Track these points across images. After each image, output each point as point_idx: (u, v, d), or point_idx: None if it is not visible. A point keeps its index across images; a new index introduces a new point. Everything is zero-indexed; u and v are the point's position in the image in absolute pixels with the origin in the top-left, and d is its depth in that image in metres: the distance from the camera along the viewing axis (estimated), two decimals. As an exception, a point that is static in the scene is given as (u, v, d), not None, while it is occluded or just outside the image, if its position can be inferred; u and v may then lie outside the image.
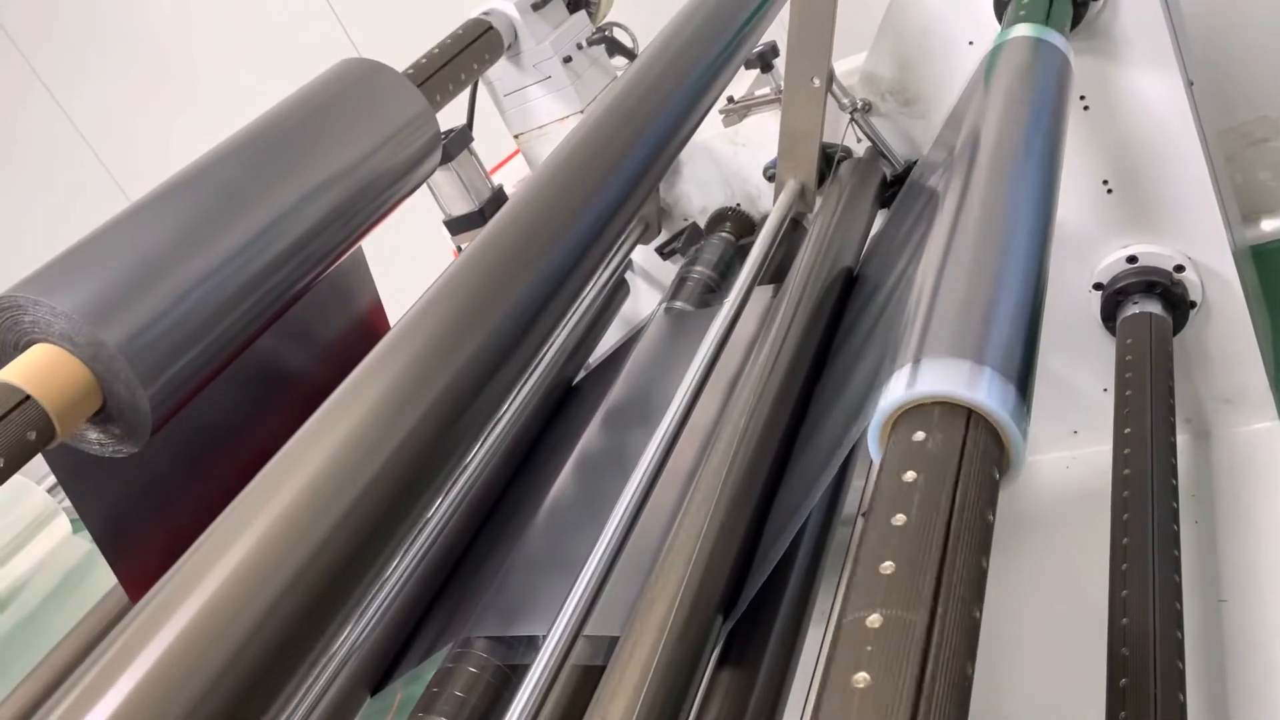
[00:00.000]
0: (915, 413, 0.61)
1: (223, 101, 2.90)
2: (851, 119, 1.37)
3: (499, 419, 1.09)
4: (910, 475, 0.54)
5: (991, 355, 0.62)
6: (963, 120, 1.00)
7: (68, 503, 2.17)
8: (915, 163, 1.39)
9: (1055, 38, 1.00)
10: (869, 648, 0.45)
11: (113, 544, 1.01)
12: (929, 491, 0.54)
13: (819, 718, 0.43)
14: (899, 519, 0.51)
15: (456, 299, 0.74)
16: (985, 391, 0.60)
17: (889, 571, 0.48)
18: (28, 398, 0.81)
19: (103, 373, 0.85)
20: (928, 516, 0.52)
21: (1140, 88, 1.27)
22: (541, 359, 1.25)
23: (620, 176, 0.79)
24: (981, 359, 0.62)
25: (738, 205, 1.55)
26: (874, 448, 0.63)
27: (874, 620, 0.46)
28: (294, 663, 0.49)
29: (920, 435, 0.58)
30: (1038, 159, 0.81)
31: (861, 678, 0.44)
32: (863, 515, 1.41)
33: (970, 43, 1.31)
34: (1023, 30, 1.04)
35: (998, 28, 1.28)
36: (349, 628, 0.55)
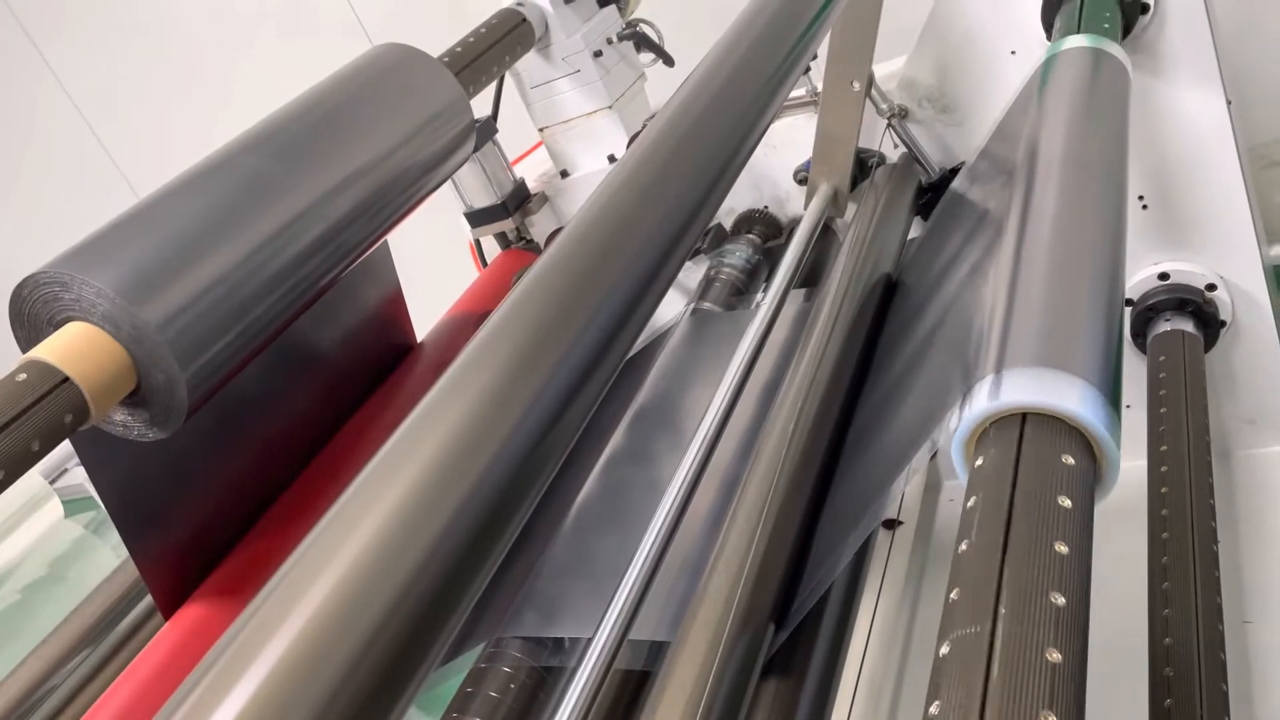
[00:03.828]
0: (1002, 425, 0.60)
1: (224, 82, 2.87)
2: (889, 124, 1.36)
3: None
4: (1014, 480, 0.52)
5: (1079, 364, 0.61)
6: (1017, 131, 0.99)
7: (60, 484, 2.13)
8: (950, 170, 1.38)
9: (1114, 48, 0.99)
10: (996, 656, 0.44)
11: (130, 527, 0.98)
12: (1027, 506, 0.53)
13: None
14: (1007, 524, 0.50)
15: (529, 324, 0.68)
16: (1077, 401, 0.58)
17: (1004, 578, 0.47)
18: (65, 378, 0.79)
19: (139, 353, 0.83)
20: (1031, 525, 0.51)
21: (1182, 104, 1.27)
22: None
23: (696, 187, 0.76)
24: (1069, 368, 0.60)
25: (765, 207, 1.53)
26: (958, 460, 0.62)
27: (994, 629, 0.45)
28: (413, 665, 0.46)
29: (1010, 448, 0.57)
30: (1107, 169, 0.80)
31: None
32: (888, 524, 1.40)
33: (1013, 52, 1.30)
34: (1079, 41, 1.02)
35: (1041, 37, 1.27)
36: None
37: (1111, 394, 0.61)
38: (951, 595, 0.48)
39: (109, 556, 2.15)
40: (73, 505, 2.30)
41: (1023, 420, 0.58)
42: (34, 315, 0.84)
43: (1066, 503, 0.51)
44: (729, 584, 0.78)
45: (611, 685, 0.85)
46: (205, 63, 2.91)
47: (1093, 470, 0.56)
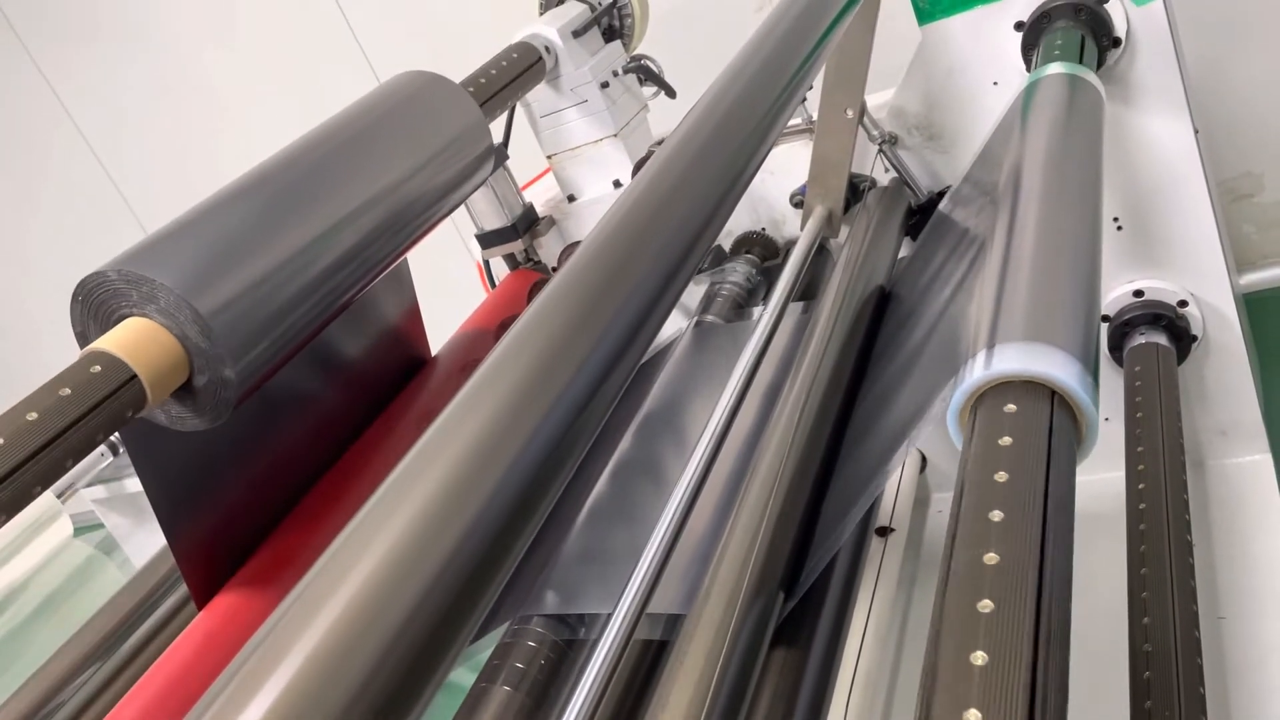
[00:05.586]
0: (993, 393, 0.67)
1: (225, 113, 2.95)
2: (880, 150, 1.44)
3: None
4: (1005, 440, 0.60)
5: (1063, 339, 0.68)
6: (999, 154, 1.07)
7: (74, 508, 2.17)
8: (937, 194, 1.47)
9: (1089, 75, 1.07)
10: (989, 581, 0.50)
11: (169, 517, 1.04)
12: (1017, 456, 0.60)
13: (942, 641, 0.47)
14: (1000, 475, 0.57)
15: (547, 334, 0.68)
16: (1061, 368, 0.66)
17: (997, 519, 0.54)
18: (126, 367, 0.85)
19: (192, 347, 0.89)
20: (1021, 477, 0.58)
21: (1153, 132, 1.36)
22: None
23: (701, 209, 0.81)
24: (1055, 341, 0.68)
25: (763, 229, 1.61)
26: (953, 426, 0.69)
27: (990, 559, 0.52)
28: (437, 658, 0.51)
29: (1004, 408, 0.64)
30: (1084, 176, 0.88)
31: (986, 604, 0.49)
32: (881, 531, 1.46)
33: (995, 83, 1.39)
34: (1056, 68, 1.11)
35: (1021, 69, 1.37)
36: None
37: (1092, 367, 0.68)
38: (992, 515, 0.55)
39: (116, 575, 2.19)
40: (79, 532, 2.34)
41: (1013, 387, 0.66)
42: (95, 310, 0.90)
43: (1044, 451, 0.58)
44: (742, 556, 0.85)
45: (631, 655, 0.91)
46: (209, 97, 2.99)
47: (1071, 427, 0.64)
